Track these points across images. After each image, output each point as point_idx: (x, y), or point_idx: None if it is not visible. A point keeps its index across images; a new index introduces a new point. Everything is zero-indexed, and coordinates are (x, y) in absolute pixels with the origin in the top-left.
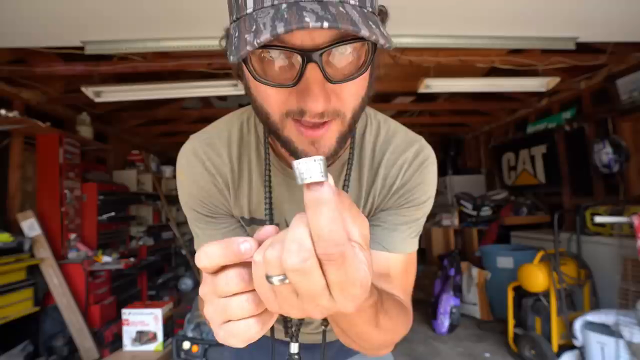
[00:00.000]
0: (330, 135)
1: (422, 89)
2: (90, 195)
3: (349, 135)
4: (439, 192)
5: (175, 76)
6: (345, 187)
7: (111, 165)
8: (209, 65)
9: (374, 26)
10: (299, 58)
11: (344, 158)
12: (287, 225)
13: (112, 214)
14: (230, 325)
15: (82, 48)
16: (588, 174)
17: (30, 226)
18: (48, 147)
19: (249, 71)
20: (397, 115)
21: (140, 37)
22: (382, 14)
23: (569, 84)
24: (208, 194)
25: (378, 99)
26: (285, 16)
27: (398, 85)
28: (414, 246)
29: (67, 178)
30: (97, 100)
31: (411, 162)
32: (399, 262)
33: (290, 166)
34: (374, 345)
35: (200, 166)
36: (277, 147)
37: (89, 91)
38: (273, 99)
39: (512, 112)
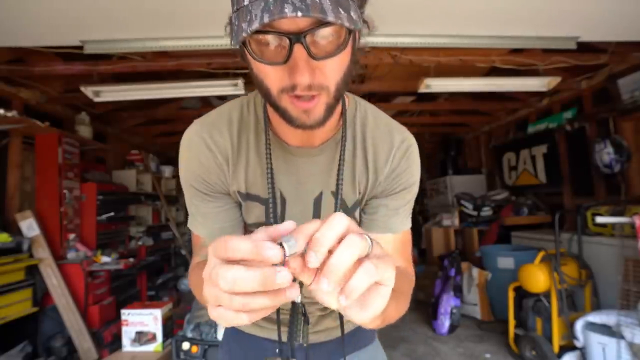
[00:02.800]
0: (319, 106)
1: (422, 89)
2: (89, 195)
3: (335, 107)
4: (439, 192)
5: (174, 76)
6: (341, 160)
7: (110, 165)
8: (209, 64)
9: (342, 12)
10: (287, 40)
11: (337, 137)
12: (281, 196)
13: (112, 214)
14: (222, 310)
15: (81, 47)
16: (589, 174)
17: (29, 226)
18: (47, 146)
19: (249, 53)
20: (398, 115)
21: (139, 36)
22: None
23: (569, 83)
24: (207, 170)
25: (378, 98)
26: (271, 8)
27: (398, 85)
28: (410, 224)
29: (66, 178)
30: (96, 99)
31: (399, 147)
32: (399, 240)
33: (287, 142)
34: (393, 317)
35: (202, 144)
36: (275, 126)
37: (88, 91)
38: (271, 76)
39: (512, 112)
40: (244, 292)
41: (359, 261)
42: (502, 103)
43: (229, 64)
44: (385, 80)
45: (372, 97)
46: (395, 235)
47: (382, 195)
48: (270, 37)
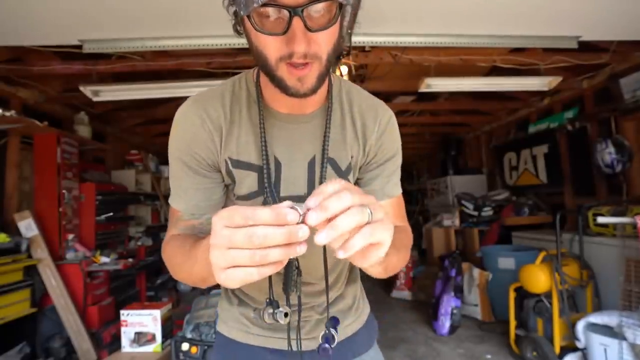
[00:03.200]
0: (312, 74)
1: (422, 88)
2: (88, 195)
3: (326, 75)
4: (440, 192)
5: (174, 75)
6: (327, 123)
7: (109, 165)
8: (208, 64)
9: None
10: (287, 13)
11: (326, 106)
12: (276, 160)
13: (111, 214)
14: (233, 270)
15: (80, 47)
16: (590, 174)
17: (27, 226)
18: (46, 146)
19: (252, 24)
20: (398, 115)
21: (139, 35)
22: None
23: (571, 83)
24: (198, 141)
25: (378, 98)
26: None
27: (399, 85)
28: (400, 189)
29: (65, 178)
30: (96, 99)
31: (383, 115)
32: (395, 203)
33: (279, 111)
34: (397, 267)
35: (195, 116)
36: (267, 97)
37: (87, 90)
38: (270, 46)
39: (513, 111)
40: (268, 247)
41: (360, 226)
42: (502, 103)
43: (229, 63)
44: (386, 79)
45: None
46: (391, 200)
47: (376, 166)
48: (271, 10)
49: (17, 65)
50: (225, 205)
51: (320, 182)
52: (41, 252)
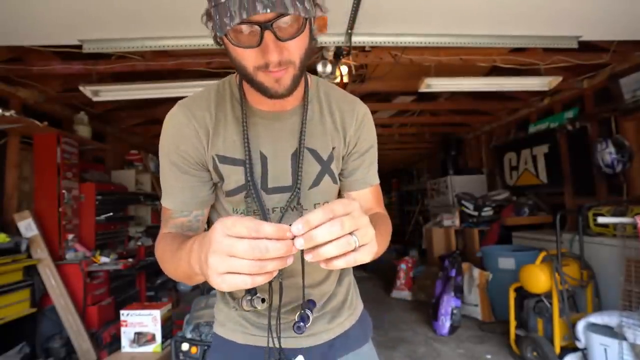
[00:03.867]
0: (287, 76)
1: (422, 88)
2: (88, 195)
3: (300, 77)
4: (440, 192)
5: (174, 75)
6: (304, 118)
7: (109, 165)
8: (208, 64)
9: (299, 4)
10: (258, 28)
11: (303, 103)
12: (261, 155)
13: (111, 214)
14: (229, 276)
15: (80, 47)
16: (590, 174)
17: (27, 226)
18: (45, 146)
19: (229, 40)
20: (398, 115)
21: (138, 35)
22: None
23: (571, 83)
24: (186, 140)
25: (379, 98)
26: (246, 6)
27: (398, 85)
28: (378, 180)
29: (65, 178)
30: (95, 99)
31: (359, 110)
32: (375, 191)
33: (261, 109)
34: (383, 248)
35: (183, 117)
36: (250, 97)
37: (87, 90)
38: (247, 57)
39: (513, 111)
40: (267, 259)
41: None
42: (503, 103)
43: (229, 63)
44: (386, 79)
45: (373, 97)
46: (371, 188)
47: (356, 157)
48: (244, 27)
49: (17, 65)
50: (214, 204)
51: (299, 173)
52: (41, 252)
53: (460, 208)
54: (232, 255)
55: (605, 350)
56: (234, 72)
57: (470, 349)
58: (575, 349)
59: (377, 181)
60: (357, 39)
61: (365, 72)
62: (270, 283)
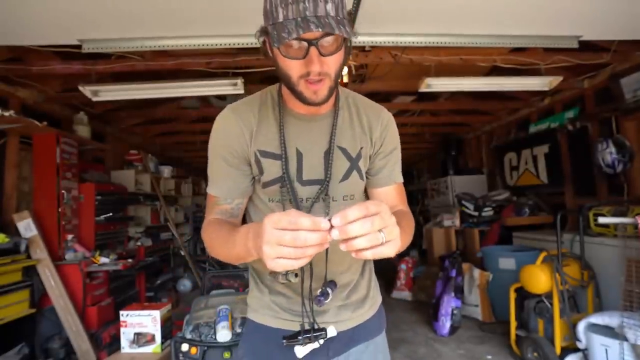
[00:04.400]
0: (324, 87)
1: (423, 88)
2: (87, 196)
3: (334, 88)
4: (440, 192)
5: (173, 75)
6: (335, 120)
7: (109, 165)
8: (208, 64)
9: (342, 27)
10: (306, 44)
11: (334, 108)
12: (297, 151)
13: (110, 214)
14: (280, 260)
15: (79, 46)
16: (591, 174)
17: (26, 227)
18: (45, 146)
19: (280, 52)
20: (398, 115)
21: (138, 35)
22: (350, 15)
23: (571, 83)
24: (234, 136)
25: (379, 98)
26: (302, 25)
27: (399, 85)
28: (402, 179)
29: (64, 178)
30: (95, 99)
31: (384, 115)
32: (399, 189)
33: (299, 112)
34: (403, 247)
35: (231, 117)
36: (289, 102)
37: (86, 90)
38: (292, 67)
39: (514, 111)
40: (306, 246)
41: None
42: (503, 103)
43: (229, 63)
44: (386, 79)
45: (373, 97)
46: (395, 185)
47: (382, 156)
48: (294, 42)
49: (16, 64)
50: (252, 196)
51: (329, 167)
52: (40, 253)
53: (460, 208)
54: (280, 244)
55: (606, 350)
56: (234, 72)
57: (471, 349)
58: (576, 350)
59: (401, 180)
60: (357, 39)
61: (365, 72)
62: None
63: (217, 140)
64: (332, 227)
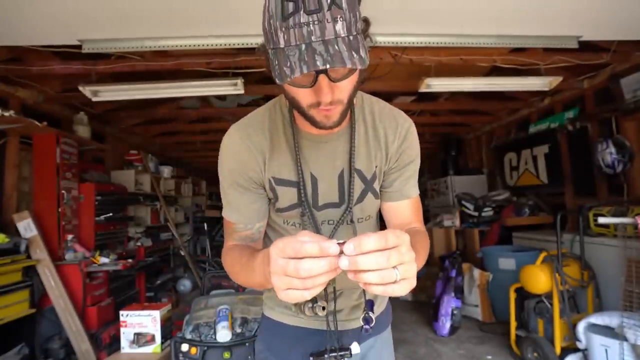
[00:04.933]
0: (335, 112)
1: (423, 89)
2: (87, 196)
3: (347, 111)
4: (440, 193)
5: (173, 75)
6: (352, 140)
7: (109, 165)
8: (208, 64)
9: (355, 55)
10: (314, 72)
11: (350, 124)
12: (312, 176)
13: (110, 214)
14: (290, 291)
15: (79, 47)
16: (591, 174)
17: (26, 227)
18: (45, 146)
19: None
20: None
21: (138, 35)
22: (366, 24)
23: (571, 83)
24: (247, 165)
25: (379, 98)
26: (306, 59)
27: (399, 85)
28: (418, 191)
29: (64, 178)
30: (95, 99)
31: (402, 125)
32: (413, 203)
33: (311, 132)
34: (420, 266)
35: (239, 141)
36: (300, 121)
37: (86, 90)
38: (300, 95)
39: (514, 111)
40: (314, 275)
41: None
42: (503, 103)
43: (229, 63)
44: (386, 79)
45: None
46: (409, 200)
47: (395, 170)
48: None
49: (16, 65)
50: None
51: (350, 192)
52: (40, 253)
53: (460, 208)
54: (286, 275)
55: (606, 350)
56: (234, 72)
57: (471, 349)
58: (575, 350)
59: (416, 193)
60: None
61: (365, 72)
62: (325, 288)
63: (228, 164)
64: (342, 252)
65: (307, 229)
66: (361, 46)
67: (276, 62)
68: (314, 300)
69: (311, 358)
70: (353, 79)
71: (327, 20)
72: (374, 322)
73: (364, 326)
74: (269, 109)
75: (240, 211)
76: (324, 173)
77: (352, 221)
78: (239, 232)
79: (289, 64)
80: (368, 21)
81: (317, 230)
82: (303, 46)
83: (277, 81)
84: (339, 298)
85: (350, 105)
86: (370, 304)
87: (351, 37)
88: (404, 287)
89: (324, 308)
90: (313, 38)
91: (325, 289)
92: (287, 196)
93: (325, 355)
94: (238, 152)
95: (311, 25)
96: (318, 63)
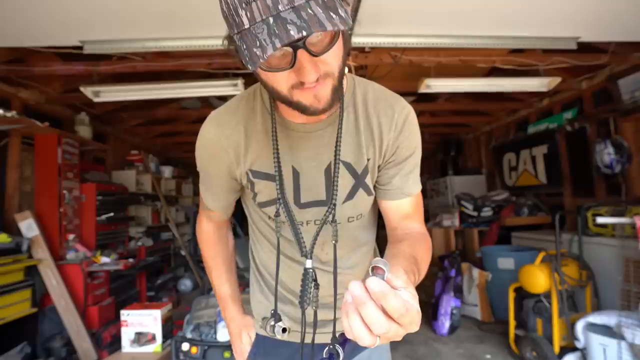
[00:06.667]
0: (326, 89)
1: (422, 89)
2: (89, 196)
3: (340, 88)
4: (439, 193)
5: (174, 76)
6: (339, 129)
7: (110, 165)
8: (209, 65)
9: (334, 15)
10: (290, 49)
11: (337, 112)
12: (293, 170)
13: (111, 214)
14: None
15: (80, 47)
16: (590, 174)
17: (28, 226)
18: (46, 147)
19: (260, 67)
20: None
21: (139, 36)
22: None
23: (570, 83)
24: (215, 156)
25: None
26: (276, 31)
27: (398, 85)
28: (420, 186)
29: (66, 178)
30: (96, 100)
31: (400, 112)
32: (414, 201)
33: (294, 120)
34: (420, 278)
35: (212, 134)
36: (281, 109)
37: (87, 91)
38: (279, 80)
39: (513, 112)
40: None
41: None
42: (502, 103)
43: (229, 64)
44: (385, 80)
45: None
46: (410, 198)
47: (393, 165)
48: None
49: (18, 66)
50: (250, 210)
51: (334, 187)
52: (42, 253)
53: (459, 208)
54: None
55: (604, 350)
56: (234, 73)
57: (470, 349)
58: (574, 349)
59: (417, 190)
60: (356, 40)
61: (365, 73)
62: (302, 308)
63: (201, 157)
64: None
65: (281, 229)
66: (338, 4)
67: (244, 47)
68: (276, 317)
69: None
70: (338, 48)
71: None
72: (340, 358)
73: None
74: (247, 97)
75: (214, 199)
76: (308, 167)
77: (333, 221)
78: (211, 211)
79: (258, 44)
80: None
81: (296, 231)
82: (270, 19)
83: (250, 67)
84: (328, 308)
85: (341, 81)
86: (341, 338)
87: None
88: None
89: (284, 330)
90: (280, 7)
91: (303, 311)
92: (266, 191)
93: None
94: (209, 146)
95: None
96: (292, 33)
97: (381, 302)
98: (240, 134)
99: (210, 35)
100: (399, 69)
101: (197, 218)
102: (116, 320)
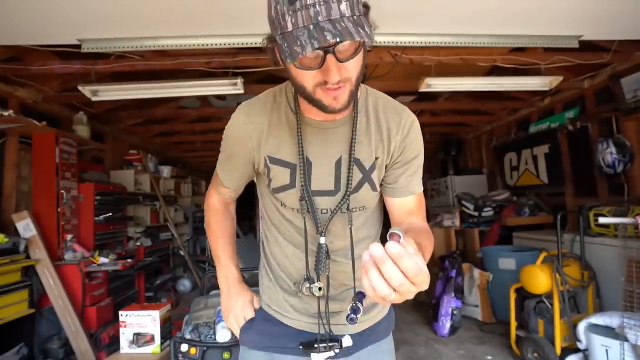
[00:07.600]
0: (344, 93)
1: (423, 88)
2: (87, 196)
3: (356, 92)
4: (440, 193)
5: (173, 75)
6: (354, 128)
7: (109, 165)
8: (208, 64)
9: (362, 31)
10: (322, 52)
11: (352, 114)
12: (307, 160)
13: (110, 214)
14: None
15: (79, 46)
16: (592, 174)
17: (25, 227)
18: (44, 146)
19: (295, 65)
20: None
21: (138, 35)
22: (366, 8)
23: (572, 83)
24: (240, 139)
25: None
26: (316, 36)
27: (399, 85)
28: (422, 187)
29: (64, 178)
30: (95, 99)
31: (407, 119)
32: (417, 200)
33: (313, 118)
34: (427, 259)
35: (241, 119)
36: (304, 107)
37: (86, 90)
38: (307, 77)
39: (514, 111)
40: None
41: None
42: (503, 103)
43: (229, 63)
44: (386, 79)
45: None
46: (414, 197)
47: (400, 165)
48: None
49: (15, 64)
50: (264, 198)
51: (348, 181)
52: (40, 253)
53: (460, 208)
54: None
55: (607, 351)
56: (234, 72)
57: (471, 350)
58: (576, 350)
59: (420, 190)
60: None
61: (365, 72)
62: (318, 275)
63: (227, 139)
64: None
65: (305, 214)
66: (366, 24)
67: (286, 45)
68: (311, 281)
69: (301, 347)
70: (359, 59)
71: (332, 1)
72: (361, 312)
73: (349, 315)
74: (274, 93)
75: (230, 177)
76: (321, 159)
77: (348, 209)
78: (224, 187)
79: (299, 43)
80: (368, 6)
81: (315, 217)
82: (311, 26)
83: (289, 61)
84: (338, 301)
85: (357, 88)
86: (361, 295)
87: (355, 17)
88: (410, 295)
89: (320, 289)
90: (320, 18)
91: (318, 275)
92: (280, 177)
93: (315, 345)
94: (237, 130)
95: (317, 6)
96: (328, 38)
97: (398, 263)
98: (265, 124)
99: (209, 34)
100: (399, 68)
101: (207, 193)
102: (115, 321)
